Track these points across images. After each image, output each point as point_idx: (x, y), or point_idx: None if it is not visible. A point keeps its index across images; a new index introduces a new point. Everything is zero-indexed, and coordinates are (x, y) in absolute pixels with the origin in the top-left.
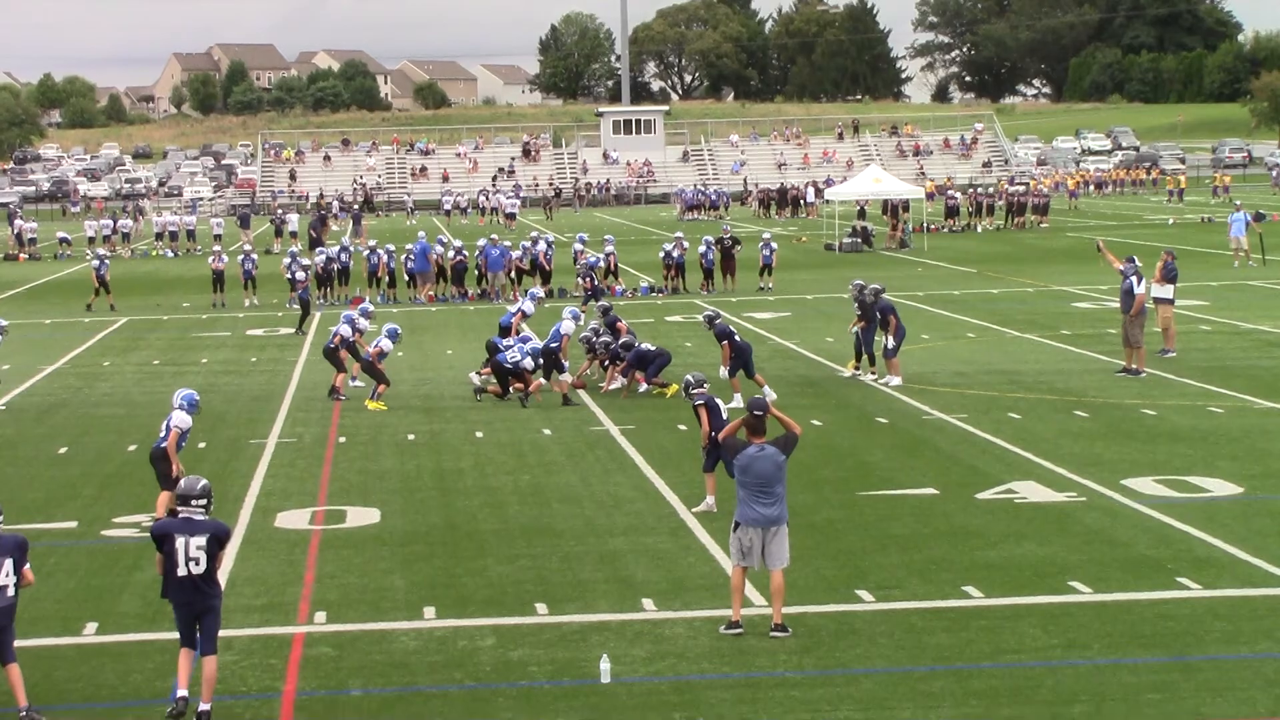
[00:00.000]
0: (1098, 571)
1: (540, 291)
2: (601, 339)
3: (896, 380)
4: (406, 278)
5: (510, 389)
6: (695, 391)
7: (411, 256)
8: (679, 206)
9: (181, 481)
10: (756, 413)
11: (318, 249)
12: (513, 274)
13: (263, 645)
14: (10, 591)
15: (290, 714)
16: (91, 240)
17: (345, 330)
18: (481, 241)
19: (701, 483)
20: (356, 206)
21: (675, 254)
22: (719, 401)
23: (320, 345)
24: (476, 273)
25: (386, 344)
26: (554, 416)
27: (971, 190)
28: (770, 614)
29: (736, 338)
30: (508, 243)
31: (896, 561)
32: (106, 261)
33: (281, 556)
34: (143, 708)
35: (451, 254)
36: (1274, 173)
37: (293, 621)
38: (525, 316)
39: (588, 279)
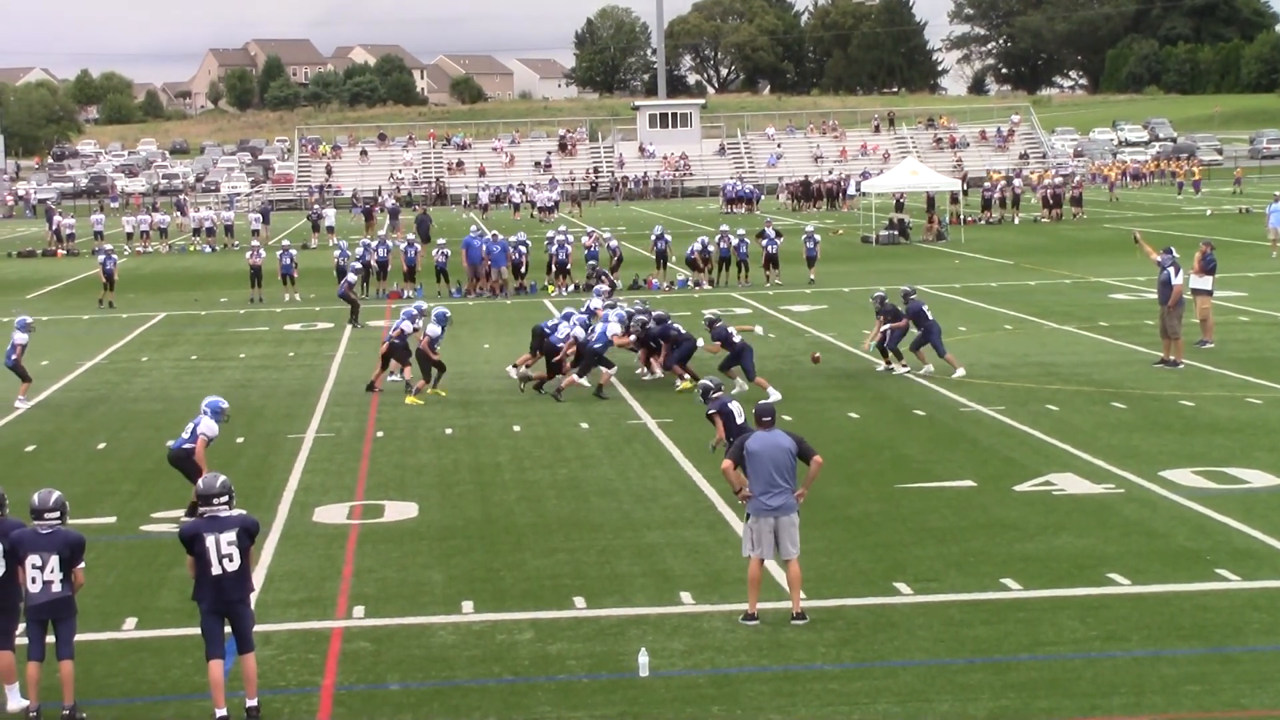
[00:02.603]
0: (1136, 563)
1: (606, 287)
2: (637, 318)
3: (928, 367)
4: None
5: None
6: (714, 398)
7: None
8: (721, 200)
9: (199, 482)
10: (765, 418)
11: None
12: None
13: (301, 640)
14: (56, 588)
15: (329, 708)
16: (130, 236)
17: (406, 326)
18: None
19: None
20: (393, 200)
21: (720, 246)
22: (732, 407)
23: (354, 340)
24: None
25: (434, 329)
26: (591, 410)
27: (1004, 184)
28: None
29: (736, 340)
30: (514, 236)
31: (934, 554)
32: (114, 257)
33: (319, 551)
34: (182, 702)
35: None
36: None
37: (331, 616)
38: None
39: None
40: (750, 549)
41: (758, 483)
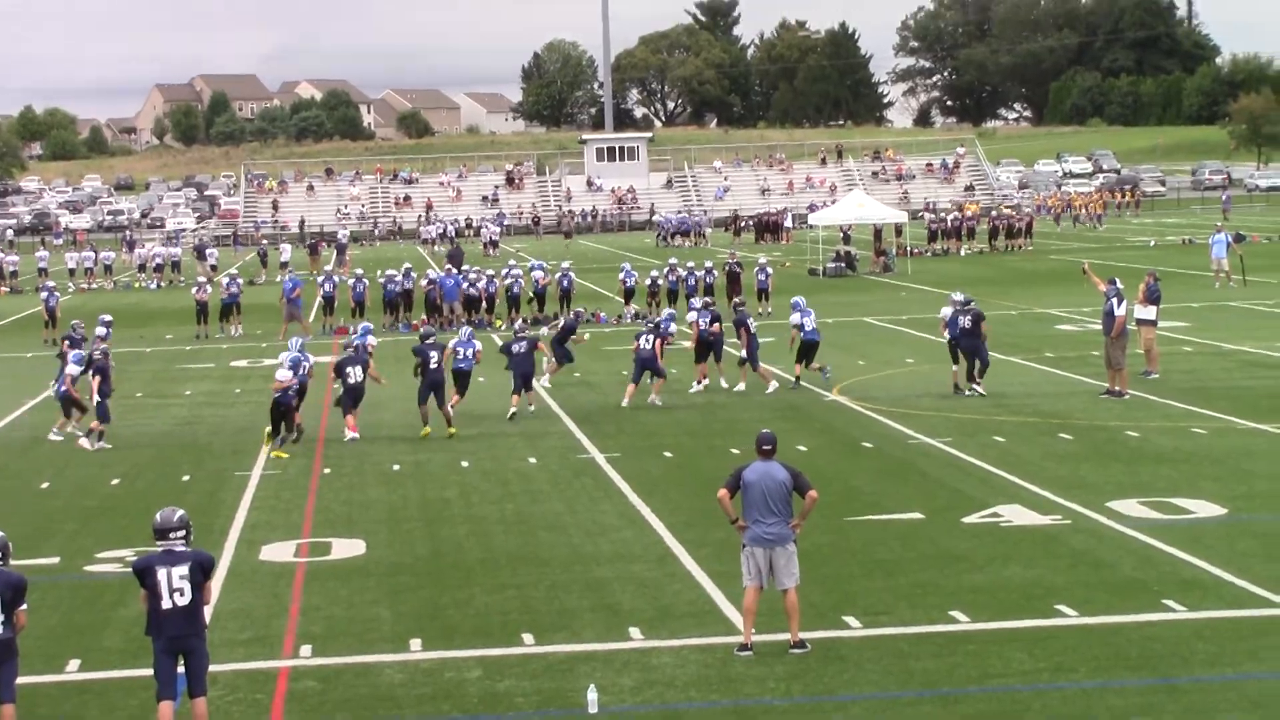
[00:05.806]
0: (1083, 594)
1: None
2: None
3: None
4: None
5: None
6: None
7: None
8: (658, 234)
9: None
10: (765, 447)
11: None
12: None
13: (248, 680)
14: None
15: None
16: (72, 273)
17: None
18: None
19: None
20: (344, 235)
21: (669, 279)
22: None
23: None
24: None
25: (284, 374)
26: (539, 444)
27: (946, 216)
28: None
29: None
30: (474, 270)
31: (883, 586)
32: (56, 294)
33: (266, 589)
34: None
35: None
36: (1224, 195)
37: (278, 655)
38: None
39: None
40: (748, 579)
41: (752, 512)
